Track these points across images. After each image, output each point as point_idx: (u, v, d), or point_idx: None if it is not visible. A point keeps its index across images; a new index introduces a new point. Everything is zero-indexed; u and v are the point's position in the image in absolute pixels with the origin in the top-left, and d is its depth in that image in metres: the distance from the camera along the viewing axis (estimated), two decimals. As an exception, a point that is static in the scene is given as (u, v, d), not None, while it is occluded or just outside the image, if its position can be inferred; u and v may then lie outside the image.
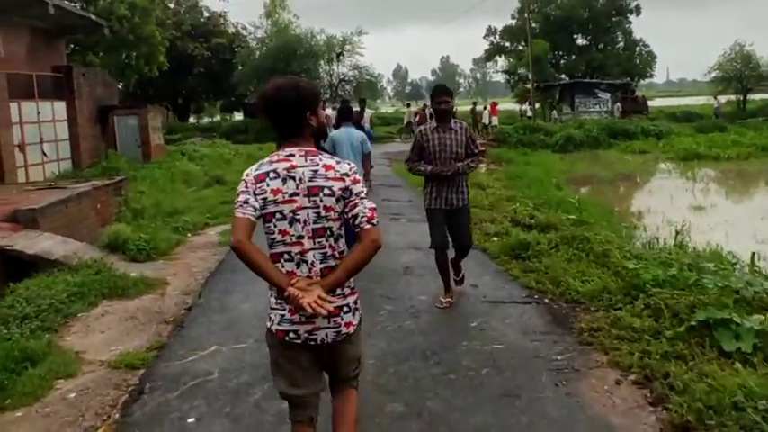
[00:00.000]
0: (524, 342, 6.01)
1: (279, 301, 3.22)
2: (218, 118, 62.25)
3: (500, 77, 70.62)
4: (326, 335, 3.21)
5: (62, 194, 11.28)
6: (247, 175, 3.19)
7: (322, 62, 43.66)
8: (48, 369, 5.73)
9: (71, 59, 25.78)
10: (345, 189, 3.15)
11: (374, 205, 3.22)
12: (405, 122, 40.70)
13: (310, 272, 3.15)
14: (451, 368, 5.43)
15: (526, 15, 48.82)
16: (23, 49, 18.31)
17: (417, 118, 38.93)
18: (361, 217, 3.13)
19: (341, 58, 43.62)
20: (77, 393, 5.36)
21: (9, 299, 7.32)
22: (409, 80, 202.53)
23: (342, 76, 44.07)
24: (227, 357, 5.90)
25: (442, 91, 6.95)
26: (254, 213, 3.10)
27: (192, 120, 59.49)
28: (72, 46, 27.23)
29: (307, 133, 3.24)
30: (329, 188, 3.13)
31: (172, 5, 45.74)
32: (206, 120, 62.60)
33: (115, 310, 7.60)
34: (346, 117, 9.51)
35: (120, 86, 42.97)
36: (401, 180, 18.87)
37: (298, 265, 3.16)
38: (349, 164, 3.26)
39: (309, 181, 3.13)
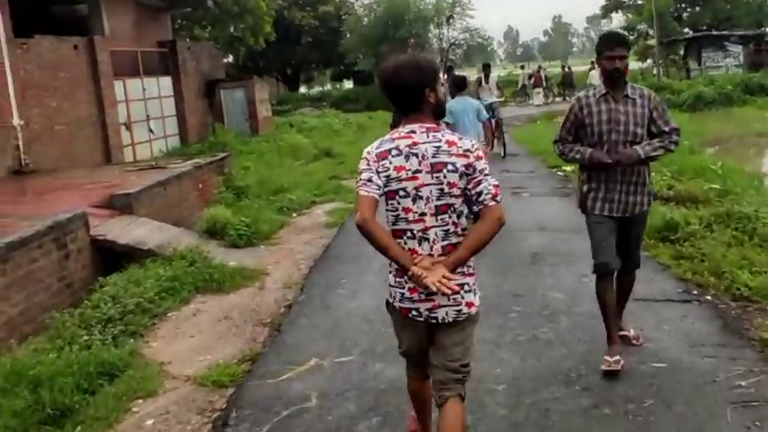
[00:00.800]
0: (693, 359, 4.80)
1: (398, 280, 3.22)
2: (328, 87, 61.82)
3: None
4: (447, 313, 3.18)
5: (161, 175, 10.68)
6: (369, 153, 3.16)
7: (431, 26, 42.17)
8: (126, 387, 4.99)
9: (178, 34, 25.67)
10: (469, 165, 3.10)
11: (497, 182, 3.15)
12: (519, 85, 39.03)
13: (432, 249, 3.12)
14: (605, 398, 4.30)
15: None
16: (128, 25, 18.00)
17: (532, 80, 37.30)
18: (486, 194, 3.08)
19: (451, 21, 42.05)
20: (155, 420, 4.58)
21: (95, 297, 6.67)
22: (520, 42, 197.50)
23: (452, 40, 42.56)
24: (328, 376, 4.98)
25: (616, 41, 4.64)
26: (377, 191, 3.07)
27: (302, 90, 59.40)
28: (180, 21, 27.10)
29: (426, 109, 3.17)
30: (453, 164, 3.09)
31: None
32: (317, 89, 62.16)
33: (209, 307, 6.85)
34: (461, 86, 9.61)
35: (229, 59, 43.31)
36: (519, 148, 17.58)
37: (420, 243, 3.14)
38: (471, 140, 3.21)
39: (433, 157, 3.09)
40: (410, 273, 2.99)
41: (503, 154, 15.46)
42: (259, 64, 45.56)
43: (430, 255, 3.09)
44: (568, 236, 8.01)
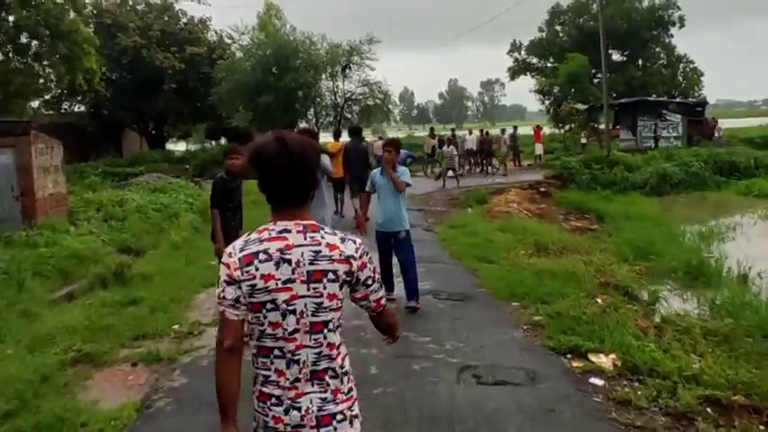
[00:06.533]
0: None
1: (261, 405, 2.62)
2: (208, 145, 52.04)
3: (507, 101, 63.04)
4: None
5: None
6: (230, 256, 2.57)
7: (324, 76, 34.58)
8: None
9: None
10: (350, 273, 2.62)
11: (383, 294, 2.78)
12: (428, 152, 31.69)
13: (300, 372, 2.58)
14: None
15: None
16: None
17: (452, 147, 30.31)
18: (371, 306, 2.77)
19: (347, 71, 34.50)
20: None
21: None
22: (416, 104, 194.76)
23: (348, 94, 35.02)
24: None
25: None
26: (243, 312, 2.56)
27: (181, 147, 50.94)
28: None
29: (310, 200, 2.69)
30: (333, 272, 2.58)
31: (140, 7, 37.36)
32: (196, 147, 52.44)
33: None
34: None
35: (69, 106, 34.83)
36: (466, 276, 10.07)
37: (288, 365, 2.58)
38: (355, 242, 2.68)
39: (310, 264, 2.56)
40: None
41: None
42: (114, 112, 37.15)
43: (297, 379, 2.56)
44: None
